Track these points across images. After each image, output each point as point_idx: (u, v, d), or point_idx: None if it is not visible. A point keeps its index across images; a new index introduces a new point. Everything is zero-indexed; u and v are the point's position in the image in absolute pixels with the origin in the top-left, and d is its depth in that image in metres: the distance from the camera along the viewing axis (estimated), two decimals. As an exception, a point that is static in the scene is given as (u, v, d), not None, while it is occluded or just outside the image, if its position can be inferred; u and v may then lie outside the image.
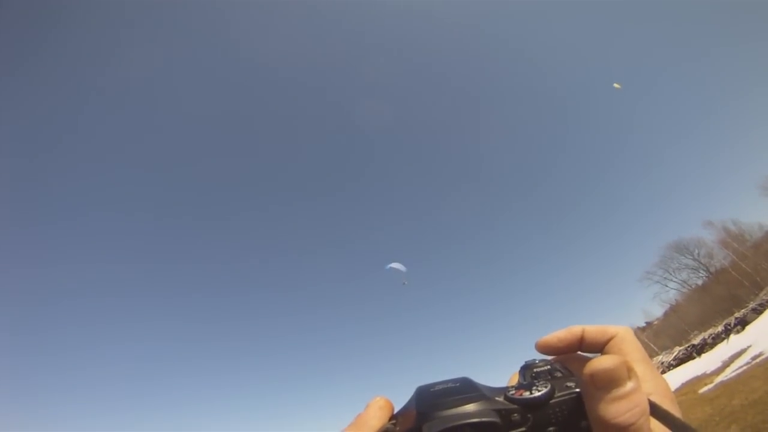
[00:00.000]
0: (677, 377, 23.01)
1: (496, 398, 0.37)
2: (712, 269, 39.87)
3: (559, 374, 0.40)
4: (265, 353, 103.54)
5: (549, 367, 0.41)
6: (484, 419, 0.34)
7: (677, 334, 38.03)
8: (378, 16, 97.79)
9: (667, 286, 43.04)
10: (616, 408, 0.32)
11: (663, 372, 29.49)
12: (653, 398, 0.35)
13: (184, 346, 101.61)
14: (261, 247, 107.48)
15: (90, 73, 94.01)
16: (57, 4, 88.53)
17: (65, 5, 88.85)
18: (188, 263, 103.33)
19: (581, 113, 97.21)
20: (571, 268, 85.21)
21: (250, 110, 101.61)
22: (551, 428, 0.35)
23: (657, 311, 46.56)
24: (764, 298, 26.84)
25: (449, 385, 0.39)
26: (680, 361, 28.96)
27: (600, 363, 0.33)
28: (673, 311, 42.51)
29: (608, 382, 0.33)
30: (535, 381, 0.38)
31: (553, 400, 0.36)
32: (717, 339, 26.61)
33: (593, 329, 0.43)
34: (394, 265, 23.21)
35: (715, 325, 29.28)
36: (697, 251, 41.23)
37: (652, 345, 40.84)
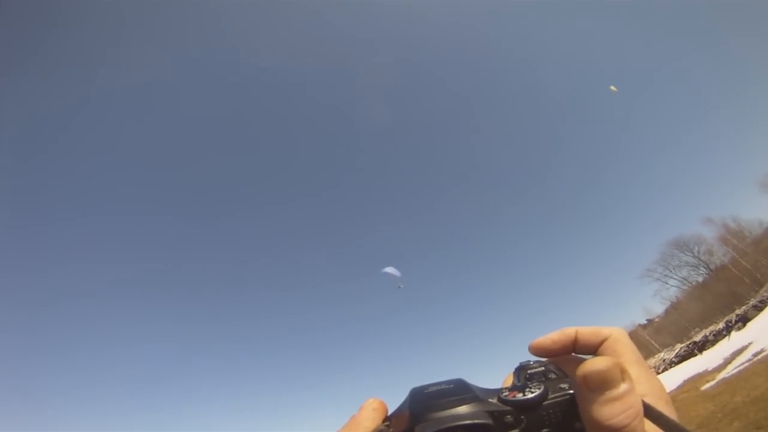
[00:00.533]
0: (679, 374, 23.15)
1: (490, 400, 0.37)
2: (712, 266, 39.94)
3: (553, 376, 0.40)
4: (260, 354, 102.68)
5: (543, 368, 0.41)
6: (476, 421, 0.34)
7: (678, 331, 38.08)
8: (377, 16, 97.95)
9: (667, 283, 43.15)
10: (609, 410, 0.32)
11: (665, 369, 29.63)
12: (647, 399, 0.35)
13: (182, 346, 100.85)
14: (258, 247, 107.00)
15: (90, 72, 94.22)
16: (56, 3, 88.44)
17: (64, 4, 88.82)
18: (188, 263, 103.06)
19: (579, 110, 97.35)
20: (571, 266, 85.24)
21: (249, 109, 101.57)
22: (545, 430, 0.36)
23: (658, 308, 46.62)
24: (765, 294, 26.89)
25: (443, 386, 0.39)
26: (682, 358, 29.03)
27: (593, 364, 0.33)
28: (674, 308, 42.52)
29: (601, 383, 0.33)
30: (529, 382, 0.38)
31: (546, 402, 0.36)
32: (718, 336, 26.70)
33: (587, 330, 0.43)
34: (389, 269, 23.44)
35: (716, 322, 29.33)
36: (697, 248, 41.33)
37: (653, 342, 40.94)
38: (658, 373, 29.82)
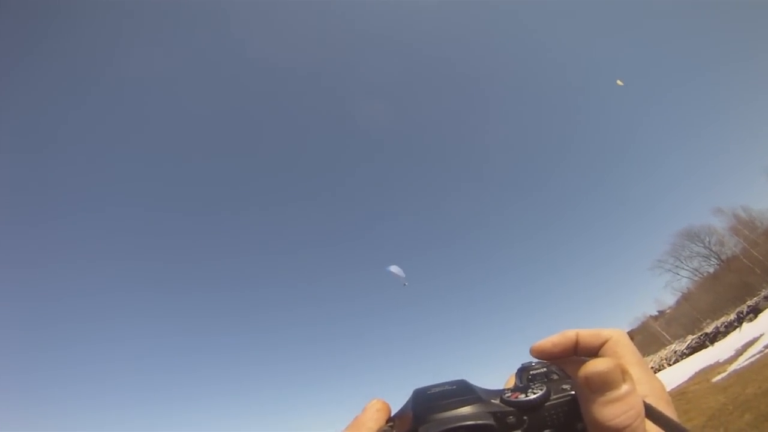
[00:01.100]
0: (690, 366, 23.06)
1: (492, 400, 0.37)
2: (723, 257, 39.65)
3: (555, 377, 0.41)
4: (263, 353, 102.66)
5: (545, 369, 0.42)
6: (479, 422, 0.35)
7: (690, 322, 37.98)
8: (377, 13, 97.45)
9: (678, 274, 42.86)
10: (611, 410, 0.32)
11: (676, 361, 29.70)
12: (648, 400, 0.35)
13: (182, 345, 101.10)
14: (260, 245, 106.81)
15: (89, 71, 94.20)
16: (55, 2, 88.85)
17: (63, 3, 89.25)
18: (190, 259, 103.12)
19: (587, 103, 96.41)
20: (581, 259, 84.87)
21: (248, 108, 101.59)
22: (547, 430, 0.36)
23: (669, 300, 46.35)
24: (776, 285, 26.87)
25: (446, 387, 0.39)
26: (693, 349, 28.99)
27: (594, 366, 0.34)
28: (685, 300, 42.28)
29: (603, 384, 0.33)
30: (531, 383, 0.39)
31: (548, 403, 0.36)
32: (729, 327, 26.63)
33: (587, 333, 0.44)
34: (393, 269, 23.64)
35: (727, 314, 29.16)
36: (708, 239, 41.00)
37: (665, 334, 40.88)
38: (670, 365, 30.04)
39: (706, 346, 27.46)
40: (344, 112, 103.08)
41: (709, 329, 29.21)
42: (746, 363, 14.07)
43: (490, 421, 0.35)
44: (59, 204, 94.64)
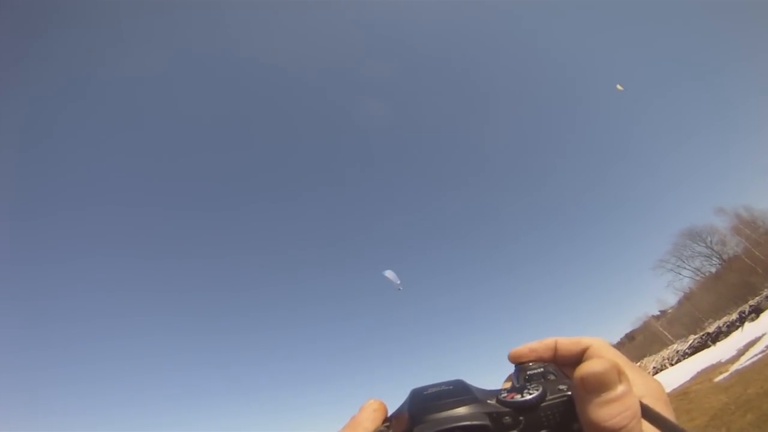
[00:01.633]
0: (692, 366, 23.06)
1: (488, 401, 0.37)
2: (725, 257, 39.64)
3: (552, 377, 0.41)
4: (260, 354, 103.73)
5: (542, 369, 0.42)
6: (474, 422, 0.34)
7: (692, 322, 37.96)
8: (376, 13, 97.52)
9: (680, 274, 42.84)
10: (607, 411, 0.32)
11: (678, 361, 29.69)
12: (646, 401, 0.35)
13: (180, 345, 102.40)
14: (258, 246, 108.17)
15: (90, 71, 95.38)
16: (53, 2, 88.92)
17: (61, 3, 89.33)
18: (187, 260, 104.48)
19: (589, 102, 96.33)
20: (583, 259, 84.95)
21: (247, 108, 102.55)
22: (543, 431, 0.36)
23: (671, 300, 46.38)
24: (778, 285, 26.84)
25: (443, 387, 0.39)
26: (695, 349, 28.96)
27: (590, 366, 0.33)
28: (687, 299, 42.24)
29: (598, 385, 0.33)
30: (528, 384, 0.39)
31: (544, 403, 0.36)
32: (731, 327, 26.59)
33: (567, 341, 0.44)
34: (389, 274, 23.75)
35: (729, 313, 29.16)
36: (709, 238, 40.99)
37: (666, 333, 40.90)
38: (672, 365, 30.04)
39: (708, 346, 27.43)
40: (344, 112, 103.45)
41: (711, 329, 29.17)
42: (748, 363, 14.08)
43: (486, 422, 0.35)
44: (59, 203, 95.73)
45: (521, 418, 0.36)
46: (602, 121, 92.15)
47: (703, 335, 29.68)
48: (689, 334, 35.09)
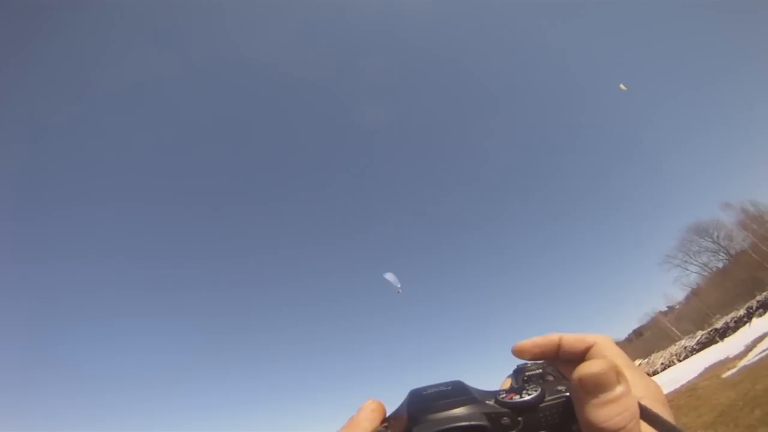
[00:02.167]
0: (700, 362, 23.04)
1: (487, 401, 0.37)
2: (732, 252, 39.47)
3: (550, 378, 0.41)
4: (258, 354, 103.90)
5: (541, 370, 0.42)
6: (473, 422, 0.35)
7: (699, 318, 37.81)
8: (374, 14, 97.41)
9: (687, 269, 42.76)
10: (605, 412, 0.32)
11: (686, 356, 29.68)
12: (645, 402, 0.35)
13: (177, 345, 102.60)
14: (257, 246, 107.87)
15: (90, 71, 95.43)
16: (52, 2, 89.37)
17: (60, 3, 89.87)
18: (186, 262, 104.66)
19: (596, 99, 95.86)
20: (590, 256, 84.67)
21: (246, 108, 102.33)
22: None
23: (678, 295, 46.17)
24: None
25: (441, 388, 0.40)
26: (703, 345, 28.90)
27: (588, 367, 0.33)
28: (694, 295, 42.03)
29: (597, 386, 0.33)
30: (527, 385, 0.39)
31: (543, 404, 0.36)
32: (739, 323, 26.56)
33: (571, 337, 0.44)
34: (389, 276, 23.78)
35: (736, 309, 29.06)
36: (716, 233, 40.83)
37: (674, 329, 40.79)
38: (680, 360, 30.03)
39: (716, 342, 27.36)
40: (343, 112, 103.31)
41: (719, 325, 29.08)
42: (756, 359, 14.12)
43: (484, 422, 0.35)
44: (59, 203, 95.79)
45: (520, 418, 0.36)
46: (610, 117, 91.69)
47: (710, 331, 29.63)
48: (697, 329, 34.97)
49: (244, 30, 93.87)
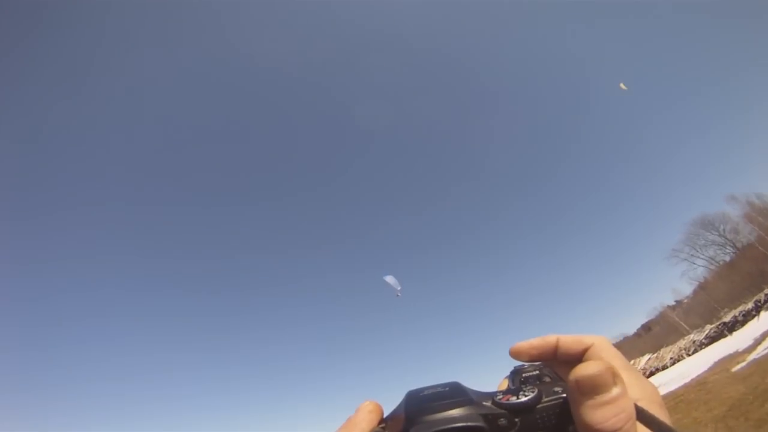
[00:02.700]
0: (709, 356, 23.06)
1: (484, 403, 0.37)
2: (738, 245, 39.32)
3: (547, 379, 0.41)
4: (256, 354, 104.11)
5: (538, 372, 0.42)
6: (469, 423, 0.35)
7: (707, 311, 37.67)
8: (374, 14, 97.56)
9: (694, 263, 42.65)
10: (601, 413, 0.32)
11: (695, 351, 29.62)
12: (641, 404, 0.35)
13: (176, 344, 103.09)
14: (256, 246, 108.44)
15: (90, 71, 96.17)
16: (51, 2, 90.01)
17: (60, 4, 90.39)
18: (186, 262, 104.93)
19: (603, 94, 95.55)
20: (596, 251, 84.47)
21: (246, 108, 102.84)
22: None
23: (686, 289, 45.99)
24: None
25: (439, 389, 0.40)
26: (711, 339, 28.84)
27: (585, 368, 0.34)
28: (702, 289, 41.89)
29: (593, 387, 0.33)
30: (523, 386, 0.39)
31: (540, 405, 0.36)
32: (747, 316, 26.51)
33: (568, 339, 0.44)
34: (389, 279, 23.86)
35: (744, 302, 28.98)
36: (722, 227, 40.72)
37: (683, 324, 40.69)
38: (689, 355, 29.99)
39: (725, 336, 27.33)
40: (342, 112, 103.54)
41: (727, 318, 28.99)
42: (765, 352, 14.16)
43: (481, 423, 0.35)
44: (59, 203, 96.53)
45: (517, 419, 0.36)
46: (615, 112, 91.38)
47: (719, 325, 29.54)
48: (705, 323, 34.88)
49: (244, 30, 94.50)
